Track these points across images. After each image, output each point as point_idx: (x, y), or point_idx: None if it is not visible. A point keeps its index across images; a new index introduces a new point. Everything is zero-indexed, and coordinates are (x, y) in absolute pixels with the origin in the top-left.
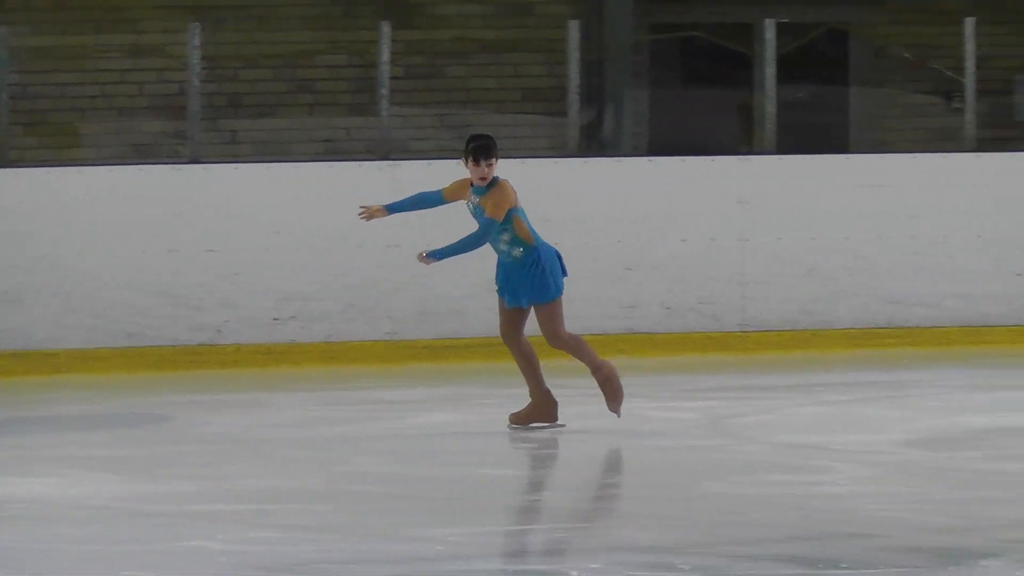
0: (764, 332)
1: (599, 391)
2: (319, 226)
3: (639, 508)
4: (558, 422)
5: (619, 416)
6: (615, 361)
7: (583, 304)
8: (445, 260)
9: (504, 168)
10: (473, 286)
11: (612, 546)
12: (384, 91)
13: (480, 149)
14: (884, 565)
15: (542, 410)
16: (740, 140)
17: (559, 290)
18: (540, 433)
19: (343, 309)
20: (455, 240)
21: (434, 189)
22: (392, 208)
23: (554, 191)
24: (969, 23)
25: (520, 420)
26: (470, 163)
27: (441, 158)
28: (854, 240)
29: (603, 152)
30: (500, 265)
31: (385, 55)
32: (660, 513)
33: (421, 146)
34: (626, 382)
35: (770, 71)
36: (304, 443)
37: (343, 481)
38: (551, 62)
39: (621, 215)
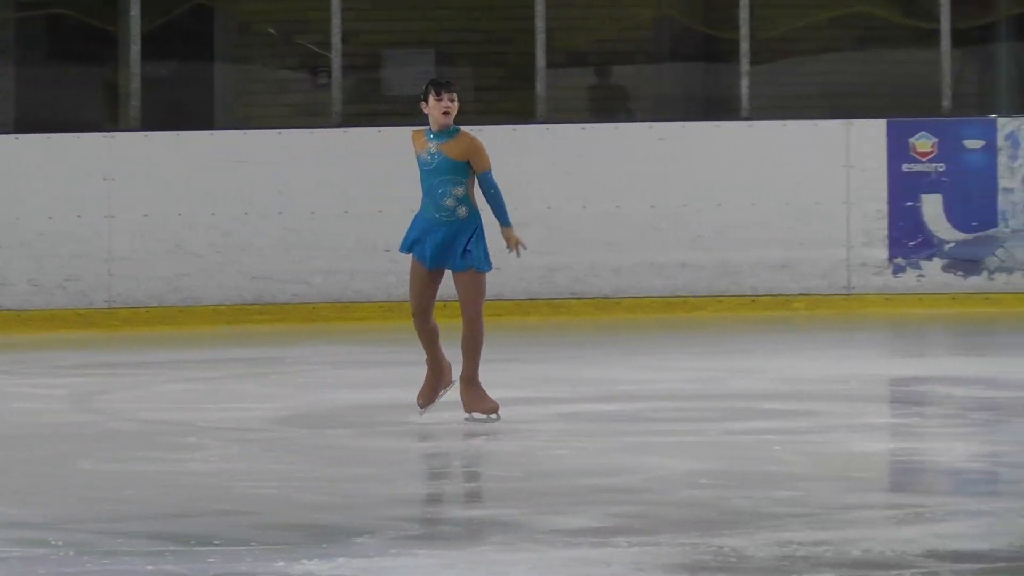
0: (132, 309)
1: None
2: None
3: (8, 484)
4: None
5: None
6: None
7: None
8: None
9: None
10: None
11: None
12: None
13: (439, 82)
14: (257, 542)
15: (441, 379)
16: (106, 117)
17: (490, 265)
18: None
19: None
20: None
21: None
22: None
23: None
24: None
25: (429, 398)
26: (431, 99)
27: None
28: (221, 216)
29: None
30: (434, 224)
31: None
32: (31, 489)
33: None
34: None
35: (135, 48)
36: None
37: None
38: None
39: None
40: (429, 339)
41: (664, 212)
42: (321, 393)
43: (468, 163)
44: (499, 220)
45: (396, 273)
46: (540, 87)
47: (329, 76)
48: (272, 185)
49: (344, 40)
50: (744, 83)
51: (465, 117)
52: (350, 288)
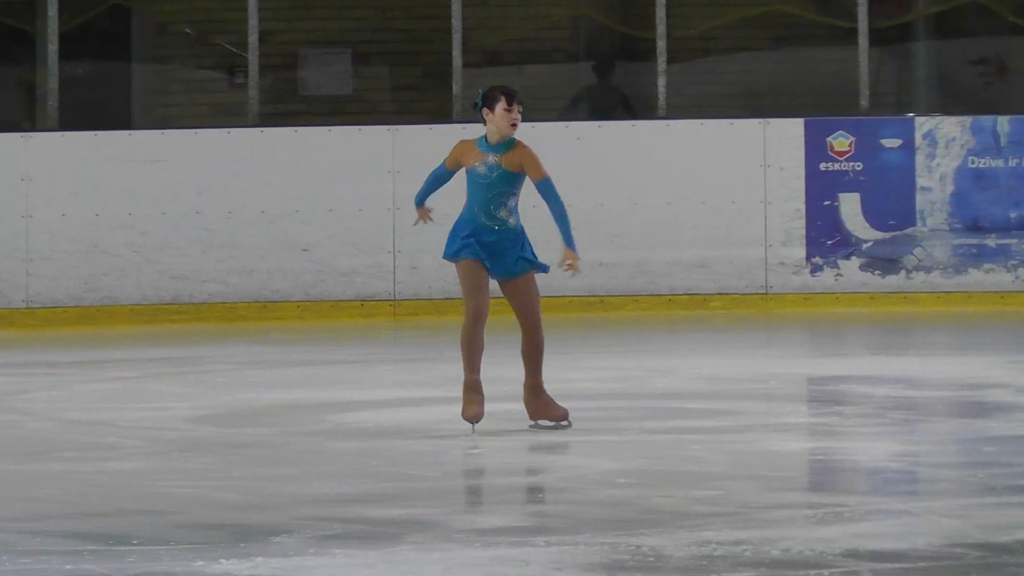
0: (50, 309)
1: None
2: None
3: None
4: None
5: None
6: None
7: None
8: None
9: None
10: None
11: None
12: None
13: (511, 91)
14: (176, 541)
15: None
16: (23, 117)
17: (547, 265)
18: None
19: None
20: (560, 225)
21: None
22: (421, 199)
23: None
24: None
25: (481, 410)
26: (499, 108)
27: None
28: (138, 216)
29: None
30: (485, 230)
31: None
32: None
33: None
34: None
35: (52, 47)
36: None
37: None
38: None
39: None
40: (480, 350)
41: (581, 211)
42: (240, 393)
43: (522, 173)
44: (564, 238)
45: (313, 272)
46: (456, 87)
47: (246, 76)
48: (189, 185)
49: (261, 40)
50: (661, 82)
51: (382, 116)
52: (268, 287)
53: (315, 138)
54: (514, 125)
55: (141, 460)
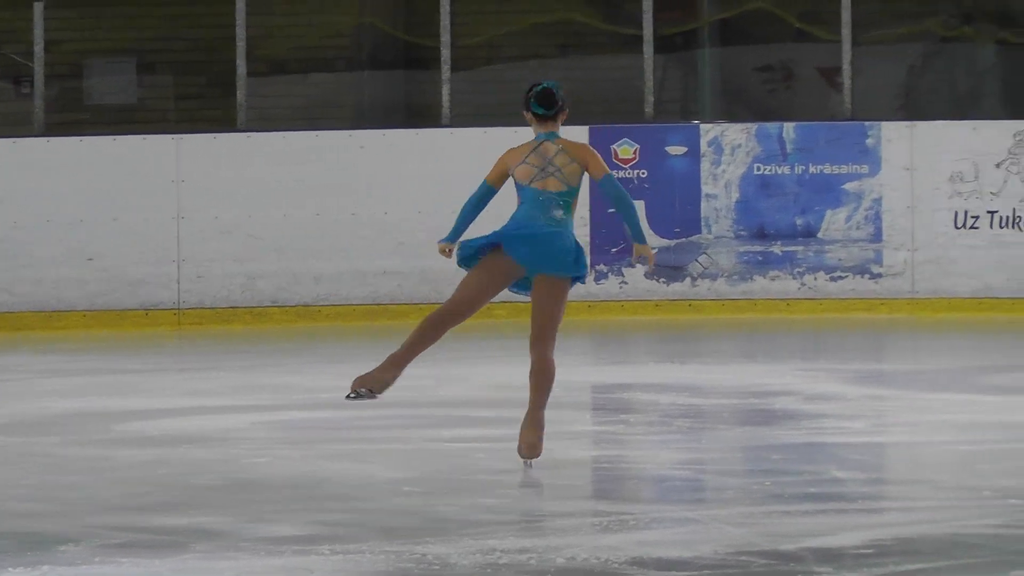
0: None
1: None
2: None
3: None
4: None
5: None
6: None
7: None
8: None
9: None
10: None
11: None
12: None
13: None
14: None
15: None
16: None
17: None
18: None
19: None
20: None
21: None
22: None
23: None
24: (38, 8)
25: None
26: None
27: None
28: None
29: None
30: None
31: None
32: None
33: None
34: None
35: None
36: None
37: None
38: None
39: None
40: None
41: (365, 219)
42: (26, 402)
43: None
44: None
45: (99, 281)
46: (241, 95)
47: (31, 86)
48: None
49: (46, 50)
50: (445, 90)
51: (166, 125)
52: (54, 297)
53: (100, 147)
54: None
55: None
